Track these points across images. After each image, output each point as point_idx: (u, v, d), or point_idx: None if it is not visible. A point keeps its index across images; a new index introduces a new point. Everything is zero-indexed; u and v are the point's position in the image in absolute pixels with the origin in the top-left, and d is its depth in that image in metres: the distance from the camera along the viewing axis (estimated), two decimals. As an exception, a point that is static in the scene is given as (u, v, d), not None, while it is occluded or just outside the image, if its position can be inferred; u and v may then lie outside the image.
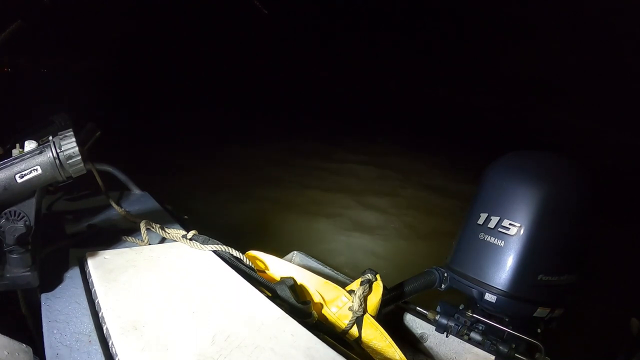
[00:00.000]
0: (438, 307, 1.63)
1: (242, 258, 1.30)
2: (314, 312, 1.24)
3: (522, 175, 1.59)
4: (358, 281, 1.39)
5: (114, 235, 1.44)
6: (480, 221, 1.60)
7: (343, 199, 5.67)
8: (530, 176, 1.57)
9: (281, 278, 1.31)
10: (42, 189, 1.41)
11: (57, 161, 1.00)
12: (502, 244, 1.53)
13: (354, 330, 1.33)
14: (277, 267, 1.44)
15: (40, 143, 1.03)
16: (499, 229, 1.55)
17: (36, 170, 0.99)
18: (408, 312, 1.70)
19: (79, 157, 1.01)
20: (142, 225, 1.40)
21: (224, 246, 1.31)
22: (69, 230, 1.50)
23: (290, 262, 1.59)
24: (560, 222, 1.53)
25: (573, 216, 1.55)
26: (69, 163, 1.00)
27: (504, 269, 1.51)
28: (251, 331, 0.97)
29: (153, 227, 1.43)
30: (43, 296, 1.10)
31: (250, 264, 1.30)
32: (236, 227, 4.35)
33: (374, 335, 1.32)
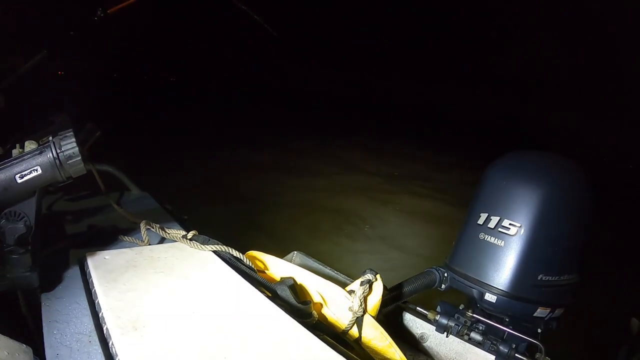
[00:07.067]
0: (438, 307, 1.62)
1: (242, 258, 1.29)
2: (314, 312, 1.24)
3: (522, 175, 1.58)
4: (358, 281, 1.38)
5: (114, 235, 1.44)
6: (480, 221, 1.60)
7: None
8: (530, 176, 1.57)
9: (281, 278, 1.31)
10: (42, 189, 1.40)
11: (57, 161, 1.00)
12: (502, 244, 1.53)
13: (354, 331, 1.33)
14: (277, 267, 1.44)
15: (40, 143, 1.03)
16: (499, 229, 1.54)
17: (36, 170, 0.99)
18: (408, 312, 1.69)
19: (79, 157, 1.01)
20: (142, 226, 1.40)
21: (224, 246, 1.31)
22: (69, 231, 1.50)
23: (290, 262, 1.59)
24: (561, 222, 1.53)
25: (573, 216, 1.55)
26: (69, 163, 1.00)
27: (504, 269, 1.51)
28: (251, 331, 0.97)
29: (153, 227, 1.43)
30: (43, 296, 1.10)
31: (250, 264, 1.30)
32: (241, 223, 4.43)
33: (374, 335, 1.32)
